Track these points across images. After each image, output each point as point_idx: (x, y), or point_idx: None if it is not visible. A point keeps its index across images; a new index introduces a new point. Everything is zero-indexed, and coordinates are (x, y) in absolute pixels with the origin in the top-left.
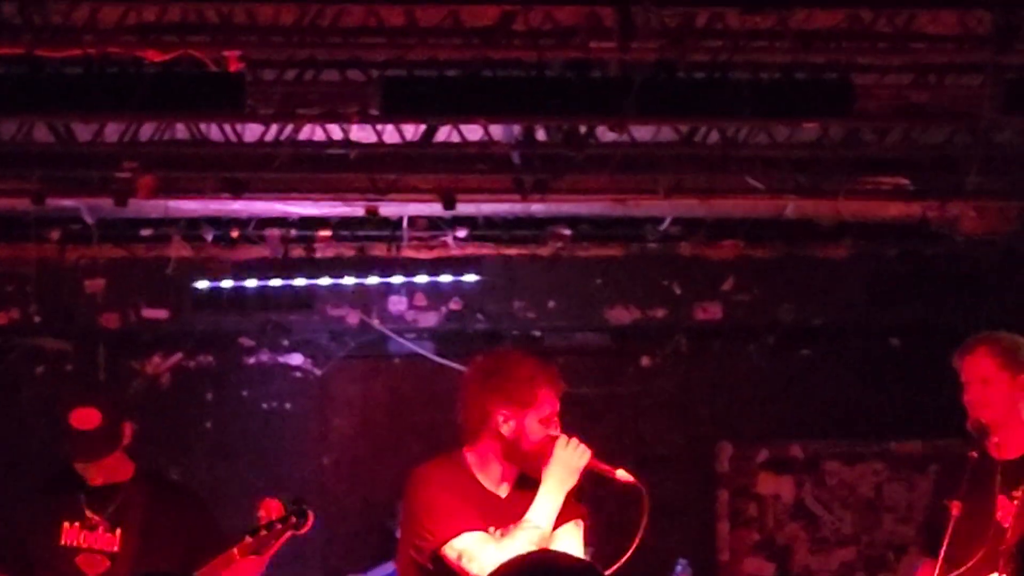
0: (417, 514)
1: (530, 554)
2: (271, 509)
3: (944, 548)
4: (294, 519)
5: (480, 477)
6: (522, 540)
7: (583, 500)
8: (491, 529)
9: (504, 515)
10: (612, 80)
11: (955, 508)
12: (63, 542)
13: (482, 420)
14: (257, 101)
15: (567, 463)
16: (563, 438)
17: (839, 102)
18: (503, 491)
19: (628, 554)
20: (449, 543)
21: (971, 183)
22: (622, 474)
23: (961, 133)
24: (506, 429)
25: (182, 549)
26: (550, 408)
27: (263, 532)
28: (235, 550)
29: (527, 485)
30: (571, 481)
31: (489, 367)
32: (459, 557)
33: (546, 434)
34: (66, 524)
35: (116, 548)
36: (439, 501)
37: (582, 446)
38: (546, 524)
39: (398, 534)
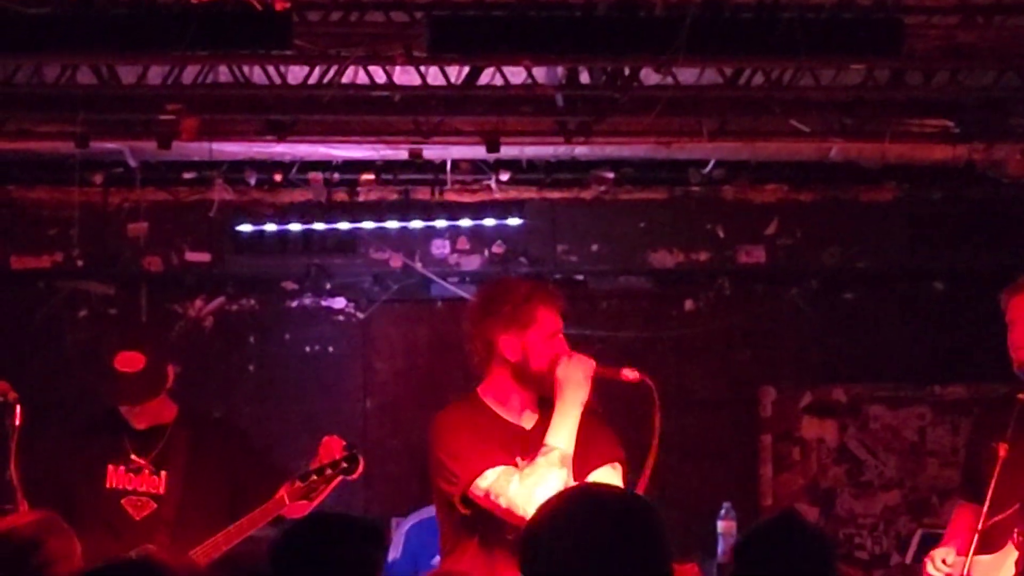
0: (441, 459)
1: (574, 488)
2: (332, 447)
3: (991, 489)
4: (345, 464)
5: (501, 412)
6: (543, 466)
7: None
8: (518, 460)
9: (534, 445)
10: (659, 20)
11: (1003, 450)
12: (108, 485)
13: (488, 349)
14: (302, 42)
15: (574, 377)
16: (563, 356)
17: (887, 43)
18: (528, 422)
19: (652, 456)
20: (474, 483)
21: (1018, 125)
22: (628, 373)
23: (1008, 75)
24: (511, 353)
25: (228, 490)
26: (552, 327)
27: (313, 477)
28: (285, 495)
29: (551, 410)
30: (583, 394)
31: (487, 294)
32: (487, 495)
33: (552, 353)
34: (111, 467)
35: (161, 490)
36: (460, 443)
37: (584, 357)
38: (565, 445)
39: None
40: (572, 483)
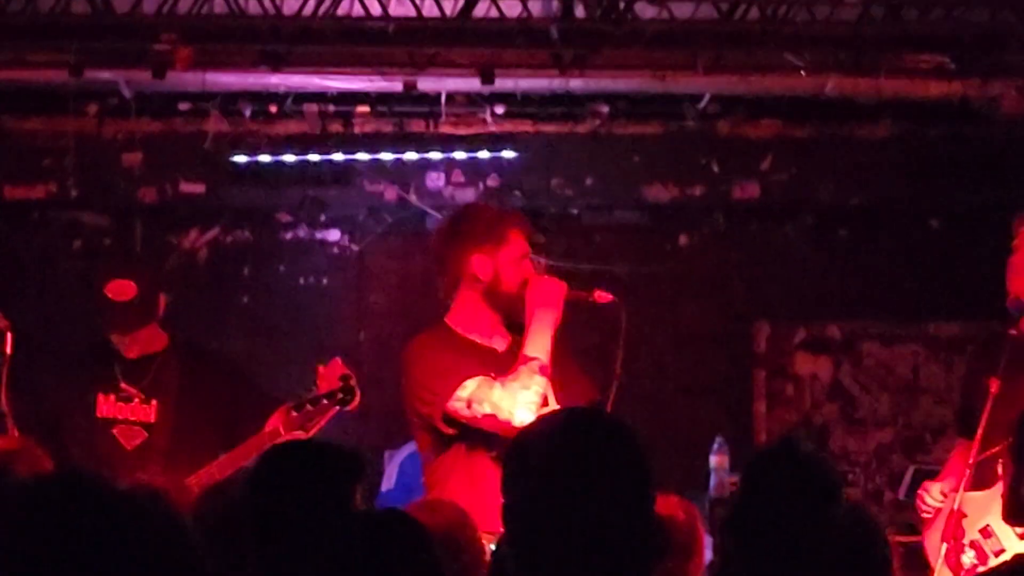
0: (418, 380)
1: (561, 408)
2: (330, 375)
3: (982, 425)
4: (341, 395)
5: (472, 337)
6: (525, 373)
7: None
8: (492, 375)
9: (506, 366)
10: None
11: (994, 386)
12: (99, 414)
13: (458, 269)
14: None
15: (546, 297)
16: (534, 278)
17: None
18: (499, 344)
19: (615, 379)
20: (455, 395)
21: (1014, 62)
22: (599, 295)
23: (1004, 11)
24: (483, 272)
25: (221, 417)
26: (522, 248)
27: (309, 407)
28: (280, 426)
29: (521, 333)
30: (555, 313)
31: (456, 216)
32: (468, 404)
33: (522, 275)
34: (101, 396)
35: (152, 419)
36: (435, 362)
37: (555, 279)
38: (543, 355)
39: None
40: (551, 391)
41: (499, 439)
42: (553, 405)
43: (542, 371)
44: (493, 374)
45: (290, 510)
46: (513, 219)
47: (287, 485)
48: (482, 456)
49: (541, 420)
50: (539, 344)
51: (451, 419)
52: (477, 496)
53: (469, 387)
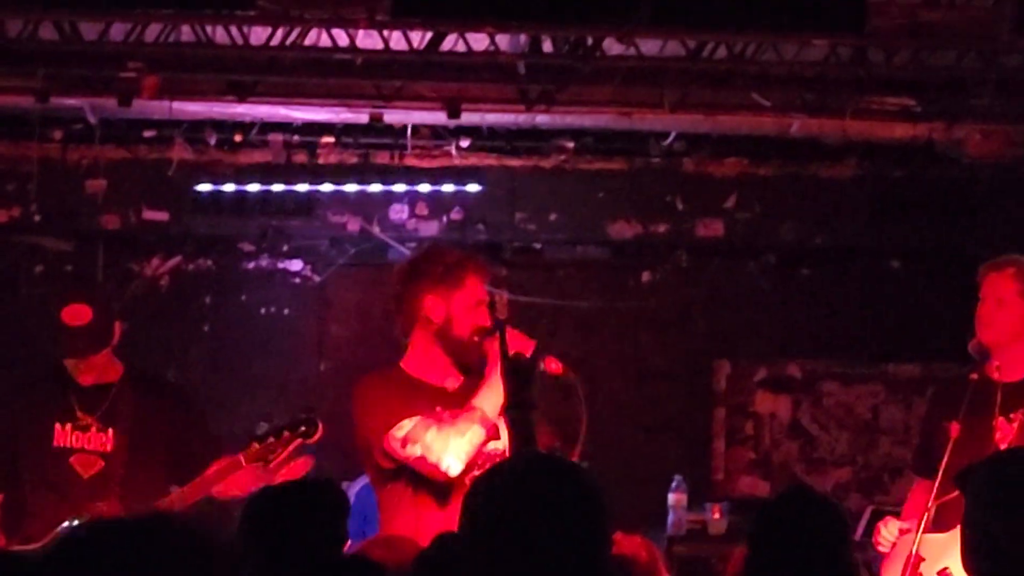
0: (363, 419)
1: (522, 451)
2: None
3: (942, 469)
4: (303, 428)
5: (423, 378)
6: (464, 420)
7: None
8: (438, 409)
9: (457, 404)
10: None
11: (954, 430)
12: (56, 443)
13: (412, 309)
14: (265, 2)
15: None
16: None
17: (851, 19)
18: (450, 384)
19: (579, 448)
20: (391, 432)
21: (978, 105)
22: (552, 364)
23: (969, 55)
24: (435, 314)
25: (174, 448)
26: (478, 296)
27: (271, 439)
28: (241, 456)
29: (475, 375)
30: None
31: (417, 256)
32: (402, 443)
33: (475, 322)
34: (58, 425)
35: (109, 448)
36: (379, 400)
37: (524, 338)
38: (490, 410)
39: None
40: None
41: (447, 493)
42: (499, 445)
43: (483, 423)
44: (440, 407)
45: (291, 549)
46: (472, 265)
47: (282, 526)
48: (428, 502)
49: (500, 464)
50: (490, 398)
51: (387, 453)
52: (423, 540)
53: (406, 426)
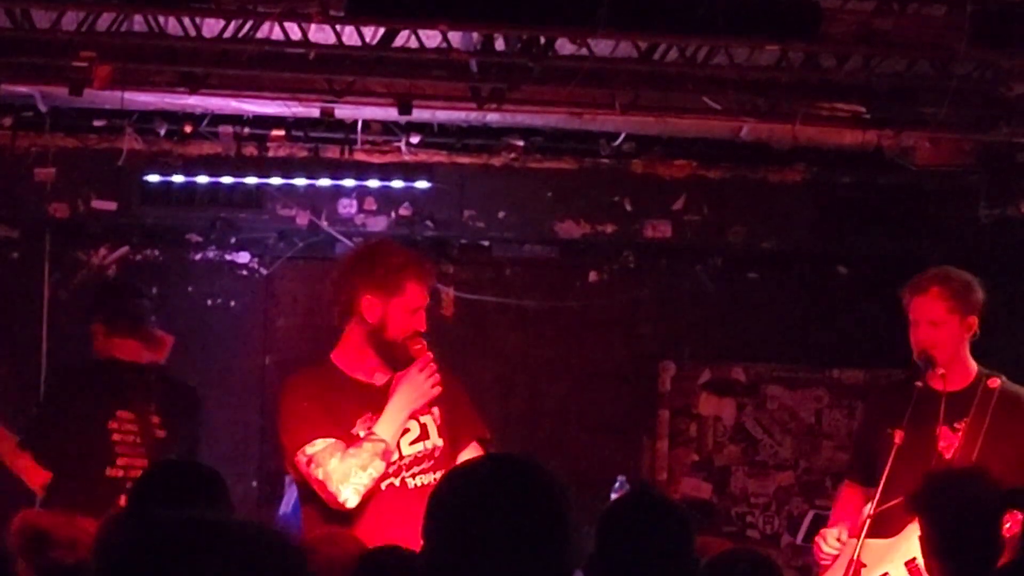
0: (283, 424)
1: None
2: None
3: (884, 476)
4: None
5: (353, 375)
6: (368, 452)
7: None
8: (359, 423)
9: (383, 400)
10: None
11: (898, 437)
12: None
13: (349, 303)
14: None
15: (419, 388)
16: (427, 365)
17: (804, 25)
18: (379, 379)
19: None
20: (302, 449)
21: (928, 113)
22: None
23: (920, 63)
24: (371, 315)
25: None
26: (417, 303)
27: None
28: None
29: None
30: (416, 406)
31: (362, 252)
32: (308, 463)
33: (411, 327)
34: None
35: None
36: (299, 409)
37: (435, 379)
38: (389, 438)
39: None
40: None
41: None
42: (436, 440)
43: (384, 456)
44: (370, 411)
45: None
46: (416, 270)
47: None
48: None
49: (461, 467)
50: (390, 426)
51: (295, 467)
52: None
53: (317, 446)
